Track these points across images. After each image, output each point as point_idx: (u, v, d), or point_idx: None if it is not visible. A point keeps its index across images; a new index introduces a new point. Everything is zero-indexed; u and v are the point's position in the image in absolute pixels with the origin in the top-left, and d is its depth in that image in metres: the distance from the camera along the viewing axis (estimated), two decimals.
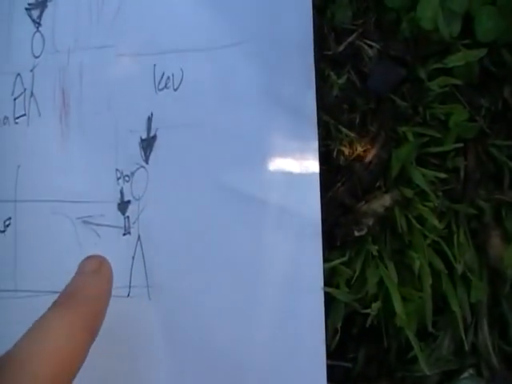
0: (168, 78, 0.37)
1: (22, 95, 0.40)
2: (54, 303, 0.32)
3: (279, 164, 0.35)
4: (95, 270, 0.34)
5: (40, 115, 0.39)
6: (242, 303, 0.35)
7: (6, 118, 0.39)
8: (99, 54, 0.38)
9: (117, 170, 0.37)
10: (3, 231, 0.38)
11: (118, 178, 0.37)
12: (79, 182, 0.38)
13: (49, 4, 0.40)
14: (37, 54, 0.40)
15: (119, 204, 0.37)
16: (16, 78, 0.40)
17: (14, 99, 0.40)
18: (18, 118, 0.39)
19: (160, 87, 0.37)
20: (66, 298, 0.32)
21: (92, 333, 0.31)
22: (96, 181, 0.37)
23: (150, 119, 0.37)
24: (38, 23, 0.40)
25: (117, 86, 0.38)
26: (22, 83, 0.40)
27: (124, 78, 0.38)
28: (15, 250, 0.38)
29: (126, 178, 0.37)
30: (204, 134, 0.36)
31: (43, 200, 0.38)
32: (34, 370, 0.28)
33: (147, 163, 0.37)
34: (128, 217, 0.36)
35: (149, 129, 0.37)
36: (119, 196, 0.37)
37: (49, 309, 0.31)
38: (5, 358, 0.28)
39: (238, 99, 0.36)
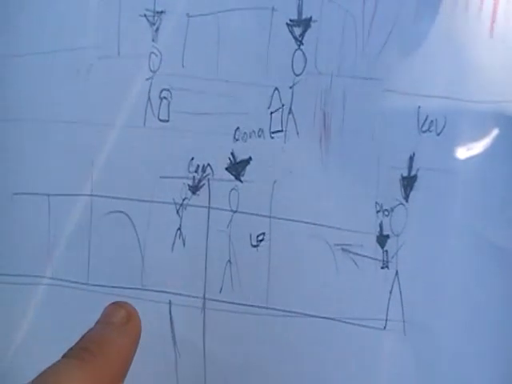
0: (431, 121, 0.41)
1: (279, 110, 0.43)
2: (72, 354, 0.30)
3: None
4: (123, 322, 0.32)
5: (298, 134, 0.42)
6: (493, 351, 0.39)
7: (260, 130, 0.42)
8: (365, 84, 0.42)
9: (376, 203, 0.40)
10: (256, 246, 0.41)
11: (378, 211, 0.40)
12: (338, 209, 0.41)
13: (312, 24, 0.43)
14: (297, 72, 0.42)
15: (378, 237, 0.40)
16: (273, 92, 0.42)
17: (271, 113, 0.41)
18: (274, 132, 0.42)
19: (423, 129, 0.41)
20: (86, 352, 0.30)
21: None
22: (356, 210, 0.41)
23: (411, 158, 0.40)
24: (299, 41, 0.42)
25: (381, 119, 0.42)
26: (280, 98, 0.42)
27: (389, 113, 0.41)
28: (268, 267, 0.40)
29: (386, 213, 0.40)
30: (462, 181, 0.40)
31: (301, 221, 0.41)
32: None
33: (407, 201, 0.40)
34: (386, 251, 0.40)
35: (410, 167, 0.41)
36: (378, 229, 0.40)
37: (65, 359, 0.30)
38: None
39: (499, 155, 0.39)
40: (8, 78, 0.49)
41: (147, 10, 0.46)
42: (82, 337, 0.31)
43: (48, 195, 0.47)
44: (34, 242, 0.47)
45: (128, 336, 0.32)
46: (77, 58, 0.47)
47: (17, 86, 0.48)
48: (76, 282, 0.46)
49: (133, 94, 0.47)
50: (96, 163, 0.46)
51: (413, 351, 0.42)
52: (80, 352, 0.30)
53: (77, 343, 0.31)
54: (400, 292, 0.43)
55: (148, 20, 0.46)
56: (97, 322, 0.32)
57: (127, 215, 0.45)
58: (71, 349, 0.30)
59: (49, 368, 0.28)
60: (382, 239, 0.43)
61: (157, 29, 0.46)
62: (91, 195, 0.46)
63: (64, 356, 0.30)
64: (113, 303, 0.34)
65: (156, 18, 0.47)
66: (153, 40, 0.47)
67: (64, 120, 0.46)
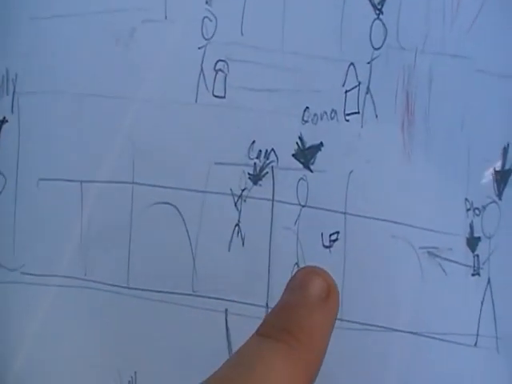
0: None
1: (356, 89, 0.39)
2: (273, 334, 0.25)
3: None
4: (323, 297, 0.26)
5: (377, 117, 0.39)
6: None
7: (333, 111, 0.39)
8: (454, 63, 0.39)
9: (466, 200, 0.36)
10: (328, 246, 0.36)
11: (468, 210, 0.37)
12: (424, 206, 0.38)
13: None
14: (376, 46, 0.39)
15: (468, 239, 0.36)
16: (348, 68, 0.37)
17: (345, 92, 0.37)
18: (349, 114, 0.38)
19: None
20: (290, 336, 0.24)
21: None
22: (443, 208, 0.38)
23: (506, 150, 0.36)
24: (378, 10, 0.39)
25: (472, 104, 0.37)
26: (356, 75, 0.39)
27: (480, 97, 0.37)
28: (343, 272, 0.36)
29: (477, 212, 0.37)
30: None
31: (380, 219, 0.36)
32: None
33: (500, 199, 0.37)
34: (478, 255, 0.37)
35: (504, 160, 0.36)
36: (468, 230, 0.37)
37: (266, 340, 0.24)
38: None
39: None
40: (35, 44, 0.43)
41: None
42: (278, 312, 0.26)
43: (81, 182, 0.43)
44: (63, 236, 0.42)
45: (329, 316, 0.26)
46: (117, 21, 0.43)
47: (45, 53, 0.43)
48: (114, 285, 0.41)
49: (182, 65, 0.43)
50: (139, 145, 0.42)
51: (507, 371, 0.38)
52: (283, 334, 0.24)
53: (273, 319, 0.26)
54: (493, 303, 0.39)
55: None
56: (289, 293, 0.26)
57: (175, 207, 0.42)
58: (267, 325, 0.25)
59: (246, 348, 0.24)
60: (473, 242, 0.39)
61: None
62: (132, 183, 0.43)
63: (261, 334, 0.25)
64: (305, 269, 0.26)
65: None
66: (206, 2, 0.42)
67: (101, 94, 0.42)
